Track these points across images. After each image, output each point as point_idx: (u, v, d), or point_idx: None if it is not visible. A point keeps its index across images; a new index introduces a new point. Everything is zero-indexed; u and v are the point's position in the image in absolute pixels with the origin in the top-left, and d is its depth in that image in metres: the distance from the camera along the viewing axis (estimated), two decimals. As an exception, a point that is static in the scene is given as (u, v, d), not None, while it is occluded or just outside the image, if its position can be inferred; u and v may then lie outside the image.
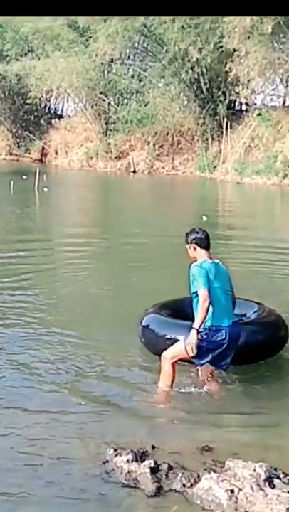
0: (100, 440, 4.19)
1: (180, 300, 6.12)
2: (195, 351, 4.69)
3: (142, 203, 20.15)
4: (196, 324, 4.68)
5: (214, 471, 3.64)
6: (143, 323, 5.71)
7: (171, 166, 30.28)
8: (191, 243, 5.02)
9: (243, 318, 5.81)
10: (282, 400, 5.02)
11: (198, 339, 4.68)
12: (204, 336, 4.77)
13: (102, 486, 3.66)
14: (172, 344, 5.08)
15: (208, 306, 4.70)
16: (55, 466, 3.90)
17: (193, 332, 4.66)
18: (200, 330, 4.70)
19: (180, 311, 5.81)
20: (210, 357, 4.84)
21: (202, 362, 4.89)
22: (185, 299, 6.16)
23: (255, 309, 5.90)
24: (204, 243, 4.99)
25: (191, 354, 4.71)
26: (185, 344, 4.74)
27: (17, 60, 34.37)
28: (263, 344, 5.54)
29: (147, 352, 5.64)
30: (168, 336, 5.38)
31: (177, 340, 5.14)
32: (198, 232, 5.03)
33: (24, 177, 23.95)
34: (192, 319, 5.59)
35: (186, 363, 5.17)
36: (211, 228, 13.96)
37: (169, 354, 4.89)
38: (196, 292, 4.78)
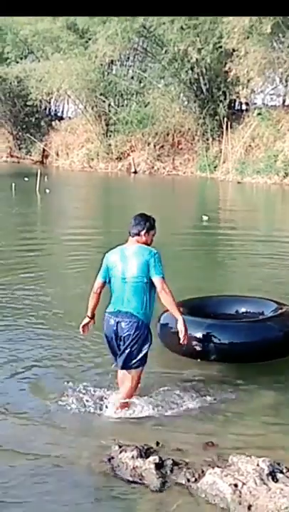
0: (104, 437, 4.25)
1: (199, 299, 6.27)
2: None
3: (143, 203, 20.13)
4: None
5: (218, 466, 3.70)
6: (161, 322, 5.75)
7: (172, 167, 30.33)
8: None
9: (260, 317, 5.89)
10: (285, 395, 5.06)
11: None
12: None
13: (108, 482, 3.72)
14: (190, 341, 5.07)
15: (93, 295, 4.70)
16: (60, 464, 3.95)
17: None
18: None
19: (199, 309, 5.89)
20: (109, 350, 4.76)
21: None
22: (204, 298, 6.37)
23: (273, 308, 5.95)
24: (130, 231, 4.75)
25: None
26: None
27: (17, 62, 34.49)
28: (279, 342, 5.58)
29: (152, 347, 5.69)
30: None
31: (195, 338, 5.27)
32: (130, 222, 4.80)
33: (26, 179, 24.02)
34: (211, 317, 5.72)
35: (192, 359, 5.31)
36: (212, 228, 14.20)
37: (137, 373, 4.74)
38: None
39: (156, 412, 4.66)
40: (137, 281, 4.55)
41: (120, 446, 3.95)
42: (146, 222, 4.73)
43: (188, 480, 3.67)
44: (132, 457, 3.84)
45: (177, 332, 4.62)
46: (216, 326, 5.55)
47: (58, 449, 4.13)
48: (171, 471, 3.75)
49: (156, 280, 4.52)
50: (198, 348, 5.42)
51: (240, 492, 3.49)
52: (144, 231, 4.69)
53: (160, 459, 3.80)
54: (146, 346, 4.61)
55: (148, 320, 4.64)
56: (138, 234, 4.69)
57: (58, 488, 3.69)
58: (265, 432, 4.38)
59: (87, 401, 4.75)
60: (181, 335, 4.57)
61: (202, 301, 6.31)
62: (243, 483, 3.52)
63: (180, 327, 4.56)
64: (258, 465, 3.64)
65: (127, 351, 4.57)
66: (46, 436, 4.32)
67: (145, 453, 3.91)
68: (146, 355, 4.63)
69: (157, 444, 4.07)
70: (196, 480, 3.66)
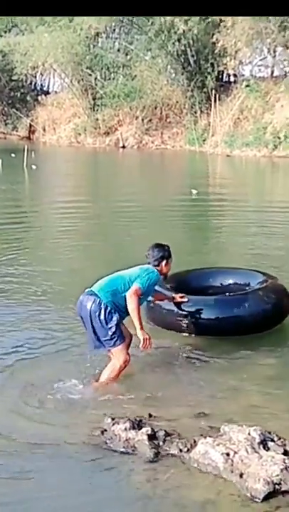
0: (96, 411, 4.28)
1: (185, 272, 6.25)
2: None
3: (131, 178, 20.12)
4: None
5: (210, 436, 3.74)
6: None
7: (161, 141, 30.16)
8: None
9: (247, 288, 5.90)
10: (278, 368, 5.10)
11: None
12: None
13: (102, 454, 3.76)
14: (176, 317, 5.31)
15: None
16: (53, 438, 3.98)
17: None
18: None
19: (184, 283, 5.90)
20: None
21: None
22: (188, 272, 6.32)
23: (260, 279, 5.93)
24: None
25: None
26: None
27: (1, 36, 33.93)
28: (267, 313, 5.59)
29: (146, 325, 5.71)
30: (171, 309, 5.50)
31: (182, 313, 5.40)
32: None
33: (12, 155, 23.81)
34: (197, 291, 5.74)
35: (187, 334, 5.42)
36: (202, 201, 14.19)
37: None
38: None
39: (148, 384, 4.69)
40: (119, 275, 4.78)
41: (113, 419, 3.99)
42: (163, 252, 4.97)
43: (181, 450, 3.71)
44: (125, 429, 3.88)
45: (164, 308, 4.80)
46: (201, 301, 5.55)
47: (51, 424, 4.16)
48: (164, 441, 3.79)
49: (133, 285, 4.64)
50: (183, 323, 5.47)
51: (232, 461, 3.53)
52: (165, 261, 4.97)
53: (152, 430, 3.84)
54: (110, 325, 4.61)
55: (111, 306, 4.64)
56: (158, 265, 4.93)
57: (52, 463, 3.72)
58: (257, 402, 4.42)
59: (78, 378, 4.75)
60: (141, 345, 4.60)
61: (187, 274, 6.26)
62: (235, 452, 3.57)
63: (140, 336, 4.58)
64: (249, 434, 3.68)
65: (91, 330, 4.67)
66: (38, 411, 4.34)
67: (138, 425, 3.94)
68: (114, 333, 4.62)
69: (150, 415, 4.11)
70: (188, 450, 3.70)
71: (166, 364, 5.06)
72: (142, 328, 4.60)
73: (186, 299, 5.47)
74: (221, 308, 5.54)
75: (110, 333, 4.61)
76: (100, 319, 4.61)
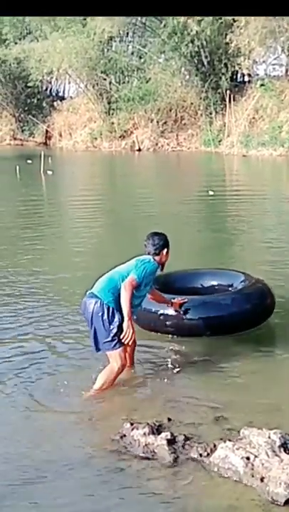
0: (115, 416, 4.28)
1: (167, 274, 6.14)
2: None
3: (148, 180, 20.11)
4: None
5: (229, 440, 3.71)
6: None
7: (176, 143, 30.09)
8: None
9: (230, 289, 5.91)
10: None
11: None
12: None
13: (121, 459, 3.74)
14: (160, 319, 5.40)
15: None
16: (72, 443, 3.98)
17: None
18: None
19: (168, 284, 5.88)
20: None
21: None
22: (175, 273, 6.33)
23: (242, 279, 5.96)
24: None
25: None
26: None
27: (16, 43, 34.16)
28: (249, 313, 5.62)
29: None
30: (155, 310, 5.49)
31: (167, 315, 5.42)
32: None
33: (29, 161, 23.95)
34: (180, 292, 5.73)
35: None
36: (218, 201, 14.15)
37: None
38: None
39: (165, 389, 4.67)
40: (116, 271, 4.77)
41: (132, 424, 3.97)
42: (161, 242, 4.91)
43: (201, 455, 3.69)
44: (144, 434, 3.86)
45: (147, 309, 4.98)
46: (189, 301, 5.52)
47: (69, 429, 4.16)
48: (183, 446, 3.77)
49: (129, 276, 4.60)
50: (167, 324, 5.46)
51: (253, 465, 3.50)
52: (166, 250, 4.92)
53: (172, 434, 3.82)
54: (112, 327, 4.58)
55: (114, 305, 4.60)
56: (158, 254, 4.88)
57: (70, 467, 3.72)
58: (276, 404, 4.38)
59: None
60: (123, 334, 4.53)
61: (171, 275, 6.19)
62: (255, 456, 3.53)
63: (124, 327, 4.52)
64: (269, 437, 3.65)
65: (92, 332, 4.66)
66: (56, 415, 4.35)
67: (157, 429, 3.93)
68: (116, 335, 4.58)
69: (169, 420, 4.09)
70: (208, 454, 3.68)
71: (182, 368, 5.02)
72: (129, 319, 4.54)
73: (186, 300, 5.42)
74: (201, 308, 5.52)
75: (112, 334, 4.58)
76: (102, 320, 4.58)
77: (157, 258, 4.86)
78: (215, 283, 6.18)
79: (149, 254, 4.87)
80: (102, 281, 4.74)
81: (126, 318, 4.52)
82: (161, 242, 4.90)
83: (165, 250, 4.92)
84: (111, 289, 4.64)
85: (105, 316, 4.58)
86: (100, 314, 4.59)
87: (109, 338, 4.59)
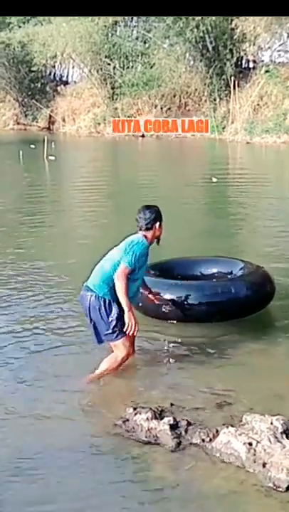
0: (118, 401, 4.29)
1: (167, 261, 6.21)
2: None
3: (151, 166, 20.03)
4: None
5: (232, 426, 3.73)
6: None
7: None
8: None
9: (229, 276, 5.93)
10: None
11: None
12: None
13: (124, 444, 3.76)
14: (161, 304, 5.27)
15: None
16: (75, 428, 4.00)
17: None
18: None
19: (168, 271, 5.89)
20: None
21: None
22: (174, 260, 6.35)
23: (241, 266, 5.98)
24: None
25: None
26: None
27: (19, 27, 33.93)
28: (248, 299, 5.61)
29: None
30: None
31: (166, 300, 5.34)
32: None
33: (32, 146, 23.86)
34: (180, 278, 5.75)
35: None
36: (222, 188, 14.11)
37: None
38: None
39: (168, 374, 4.68)
40: (107, 259, 4.66)
41: (135, 409, 3.99)
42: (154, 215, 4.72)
43: (203, 440, 3.71)
44: (147, 419, 3.88)
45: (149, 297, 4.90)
46: (182, 287, 5.55)
47: (72, 413, 4.18)
48: (186, 431, 3.79)
49: (120, 265, 4.50)
50: (167, 310, 5.43)
51: (255, 450, 3.52)
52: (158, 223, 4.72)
53: (174, 419, 3.84)
54: (111, 319, 4.53)
55: (110, 297, 4.54)
56: (151, 228, 4.69)
57: (74, 452, 3.74)
58: (279, 391, 4.39)
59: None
60: (126, 326, 4.45)
61: (171, 262, 6.22)
62: (258, 442, 3.55)
63: (126, 319, 4.45)
64: (271, 423, 3.66)
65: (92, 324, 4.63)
66: (59, 400, 4.37)
67: (159, 414, 3.95)
68: (116, 326, 4.53)
69: (171, 405, 4.11)
70: (210, 440, 3.69)
71: (185, 354, 5.04)
72: (130, 310, 4.46)
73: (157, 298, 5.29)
74: (200, 294, 5.50)
75: (112, 326, 4.53)
76: (100, 313, 4.54)
77: (150, 233, 4.68)
78: (215, 270, 6.18)
79: (141, 229, 4.69)
80: (95, 274, 4.65)
81: (126, 310, 4.45)
82: (153, 216, 4.68)
83: (158, 224, 4.70)
84: (105, 279, 4.55)
85: (102, 309, 4.53)
86: (97, 308, 4.54)
87: (110, 330, 4.55)
